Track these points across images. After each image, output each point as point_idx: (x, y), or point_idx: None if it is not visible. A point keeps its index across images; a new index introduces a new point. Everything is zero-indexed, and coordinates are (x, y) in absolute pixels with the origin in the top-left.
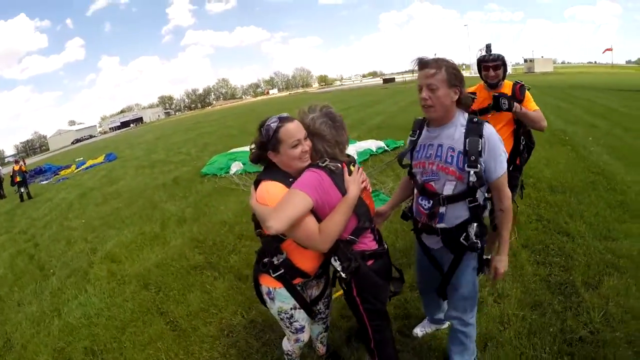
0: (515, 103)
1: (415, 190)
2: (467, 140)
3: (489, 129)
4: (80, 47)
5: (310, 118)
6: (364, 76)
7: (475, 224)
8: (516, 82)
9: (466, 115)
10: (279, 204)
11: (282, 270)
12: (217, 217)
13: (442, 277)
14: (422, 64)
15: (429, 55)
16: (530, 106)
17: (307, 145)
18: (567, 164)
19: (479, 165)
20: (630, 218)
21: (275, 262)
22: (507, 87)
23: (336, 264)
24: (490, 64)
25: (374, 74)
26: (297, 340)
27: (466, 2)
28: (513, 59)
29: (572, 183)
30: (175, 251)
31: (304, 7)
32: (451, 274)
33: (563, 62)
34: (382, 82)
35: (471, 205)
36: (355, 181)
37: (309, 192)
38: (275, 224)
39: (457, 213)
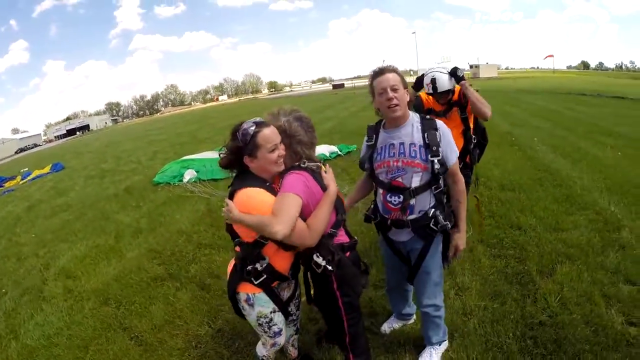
0: (464, 82)
1: (381, 190)
2: (425, 134)
3: (440, 123)
4: (25, 50)
5: (285, 120)
6: (313, 82)
7: (442, 208)
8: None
9: (418, 115)
10: (277, 209)
11: (265, 276)
12: (174, 227)
13: (412, 266)
14: (381, 70)
15: (378, 61)
16: None
17: (282, 149)
18: (515, 164)
19: (440, 154)
20: (577, 210)
21: (259, 268)
22: (456, 93)
23: (319, 260)
24: (440, 100)
25: (323, 80)
26: (273, 344)
27: (414, 10)
28: (459, 65)
29: (521, 181)
30: (133, 263)
31: (253, 13)
32: (421, 261)
33: (507, 68)
34: (331, 88)
35: (436, 191)
36: (332, 178)
37: (299, 193)
38: (282, 229)
39: (425, 202)
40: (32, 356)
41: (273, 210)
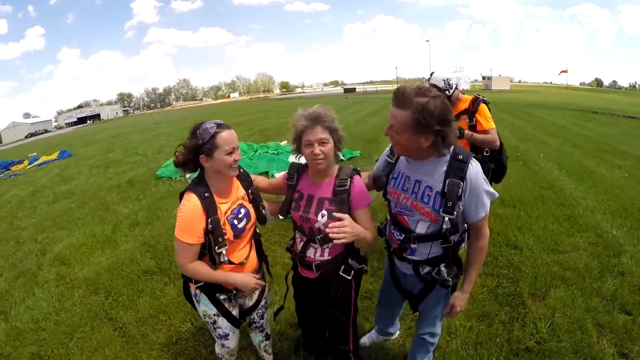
0: (465, 131)
1: (388, 217)
2: (446, 182)
3: (474, 169)
4: (41, 36)
5: (331, 116)
6: (325, 85)
7: (448, 261)
8: (476, 96)
9: (451, 149)
10: (370, 220)
11: (202, 282)
12: (170, 221)
13: (414, 299)
14: (395, 98)
15: (391, 67)
16: (485, 124)
17: (238, 154)
18: (518, 179)
19: (455, 212)
20: (578, 231)
21: None
22: (466, 102)
23: (353, 263)
24: None
25: (335, 83)
26: (222, 346)
27: (428, 19)
28: (472, 76)
29: (522, 197)
30: (126, 255)
31: (269, 12)
32: (421, 300)
33: (520, 81)
34: (343, 91)
35: (443, 245)
36: None
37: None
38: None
39: (430, 250)
40: (19, 338)
41: (369, 225)
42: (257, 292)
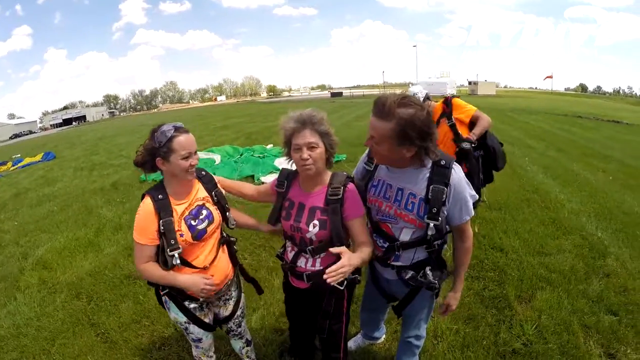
0: (465, 141)
1: (369, 224)
2: (430, 188)
3: (456, 175)
4: (28, 35)
5: (322, 119)
6: (312, 89)
7: (434, 264)
8: (445, 97)
9: (435, 160)
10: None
11: (167, 290)
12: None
13: (398, 305)
14: (375, 109)
15: (378, 72)
16: (466, 113)
17: (195, 159)
18: (503, 182)
19: (439, 218)
20: (563, 234)
21: None
22: (439, 107)
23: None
24: None
25: (322, 87)
26: (196, 347)
27: (416, 24)
28: (458, 81)
29: (508, 200)
30: (109, 259)
31: (257, 15)
32: (407, 303)
33: (506, 86)
34: (330, 95)
35: (428, 250)
36: None
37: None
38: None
39: (415, 255)
40: (0, 345)
41: (365, 238)
42: (232, 303)
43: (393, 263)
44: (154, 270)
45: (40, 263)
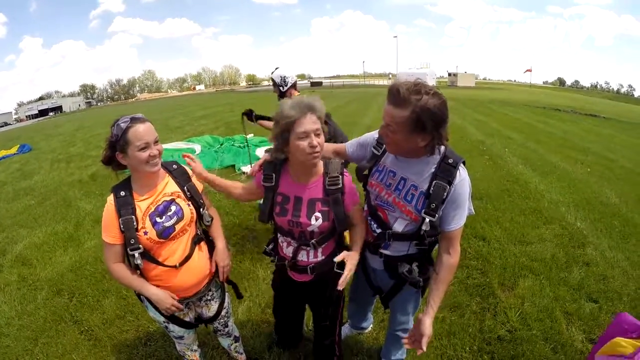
0: None
1: (366, 207)
2: (433, 183)
3: (461, 175)
4: (2, 24)
5: (323, 106)
6: None
7: (422, 261)
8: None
9: (442, 149)
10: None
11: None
12: None
13: (384, 296)
14: (390, 96)
15: (358, 62)
16: None
17: (156, 149)
18: (484, 173)
19: (436, 215)
20: (543, 224)
21: None
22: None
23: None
24: None
25: (302, 77)
26: (179, 343)
27: (397, 15)
28: (438, 72)
29: (489, 190)
30: (90, 253)
31: (237, 4)
32: (393, 295)
33: (485, 78)
34: (309, 85)
35: (418, 247)
36: None
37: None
38: None
39: (405, 247)
40: None
41: (360, 220)
42: (214, 303)
43: (382, 251)
44: (123, 273)
45: (19, 259)
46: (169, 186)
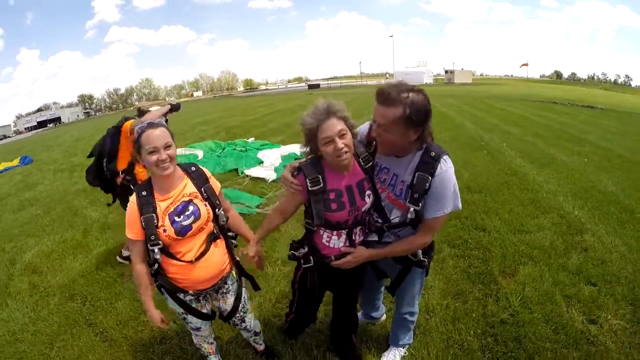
0: None
1: None
2: (416, 175)
3: (443, 168)
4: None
5: (342, 106)
6: (289, 81)
7: None
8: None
9: (424, 149)
10: None
11: (158, 281)
12: None
13: (392, 282)
14: (380, 98)
15: (355, 63)
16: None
17: (166, 154)
18: (483, 167)
19: (420, 204)
20: (542, 214)
21: (152, 271)
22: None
23: None
24: None
25: (299, 80)
26: (195, 335)
27: (391, 14)
28: (434, 70)
29: (488, 183)
30: (100, 259)
31: (232, 9)
32: (400, 281)
33: (482, 74)
34: (307, 87)
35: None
36: None
37: None
38: None
39: (404, 232)
40: None
41: None
42: (230, 296)
43: (385, 240)
44: (139, 279)
45: (29, 268)
46: (187, 187)
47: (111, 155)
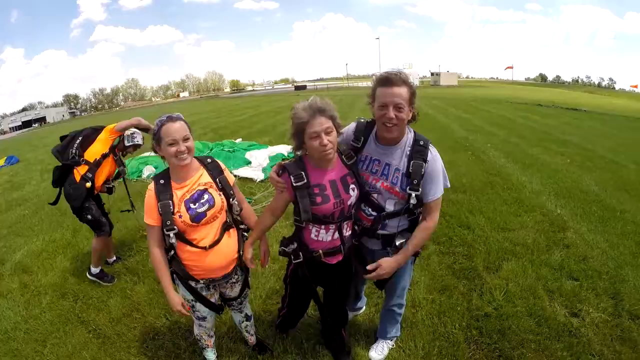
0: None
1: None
2: (411, 163)
3: (432, 153)
4: None
5: (331, 105)
6: (276, 82)
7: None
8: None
9: (412, 134)
10: None
11: (172, 268)
12: (132, 222)
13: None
14: (391, 81)
15: (341, 65)
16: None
17: (185, 146)
18: (467, 167)
19: (420, 189)
20: (525, 212)
21: (168, 257)
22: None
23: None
24: None
25: (285, 81)
26: (200, 326)
27: (377, 17)
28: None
29: (472, 183)
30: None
31: (219, 10)
32: (393, 276)
33: (467, 77)
34: (294, 89)
35: (410, 218)
36: None
37: None
38: None
39: (398, 222)
40: None
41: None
42: (238, 285)
43: (380, 232)
44: (157, 263)
45: (19, 267)
46: (203, 177)
47: (85, 138)
